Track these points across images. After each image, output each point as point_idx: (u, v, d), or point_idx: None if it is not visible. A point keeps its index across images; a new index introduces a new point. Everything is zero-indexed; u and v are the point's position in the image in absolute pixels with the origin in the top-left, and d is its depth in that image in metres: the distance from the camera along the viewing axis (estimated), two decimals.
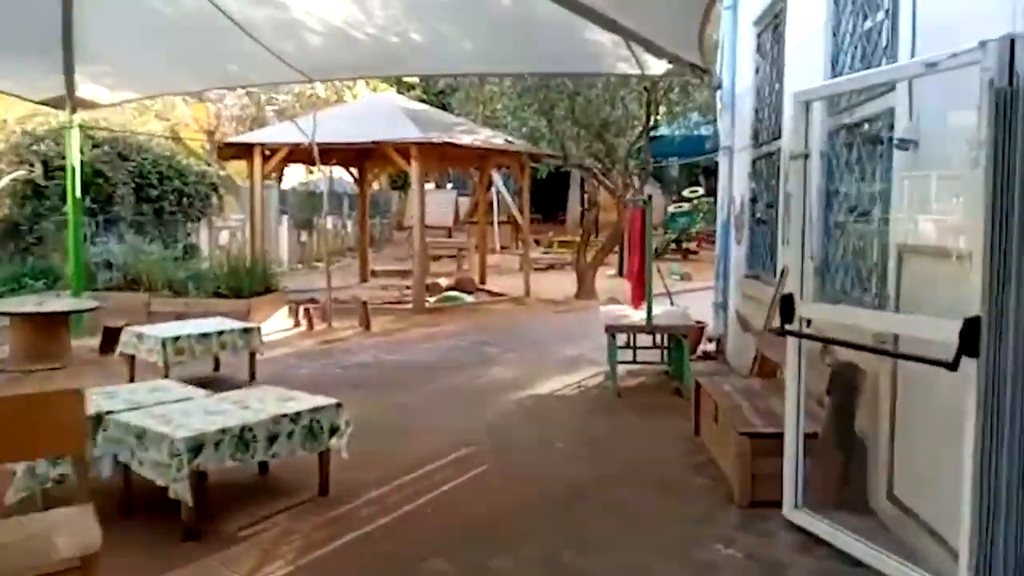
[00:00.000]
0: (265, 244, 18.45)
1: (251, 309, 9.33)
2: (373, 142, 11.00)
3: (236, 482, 4.40)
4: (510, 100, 11.53)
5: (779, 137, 6.29)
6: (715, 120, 12.36)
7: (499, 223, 21.27)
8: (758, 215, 6.93)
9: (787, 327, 3.84)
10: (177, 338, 6.79)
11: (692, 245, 20.29)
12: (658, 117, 11.85)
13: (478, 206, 15.92)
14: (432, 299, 12.11)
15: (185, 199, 14.19)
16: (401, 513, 4.05)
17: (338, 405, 4.38)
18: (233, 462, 3.91)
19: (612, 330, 6.58)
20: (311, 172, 23.55)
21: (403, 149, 10.98)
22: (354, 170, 14.93)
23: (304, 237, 20.54)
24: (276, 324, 9.83)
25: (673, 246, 21.27)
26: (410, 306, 11.37)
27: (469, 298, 12.21)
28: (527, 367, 7.81)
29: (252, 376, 7.29)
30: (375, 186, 26.70)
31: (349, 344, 9.14)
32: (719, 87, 8.28)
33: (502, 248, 20.66)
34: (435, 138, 10.78)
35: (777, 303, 5.69)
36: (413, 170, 10.94)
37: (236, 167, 16.34)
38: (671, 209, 22.54)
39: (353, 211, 19.93)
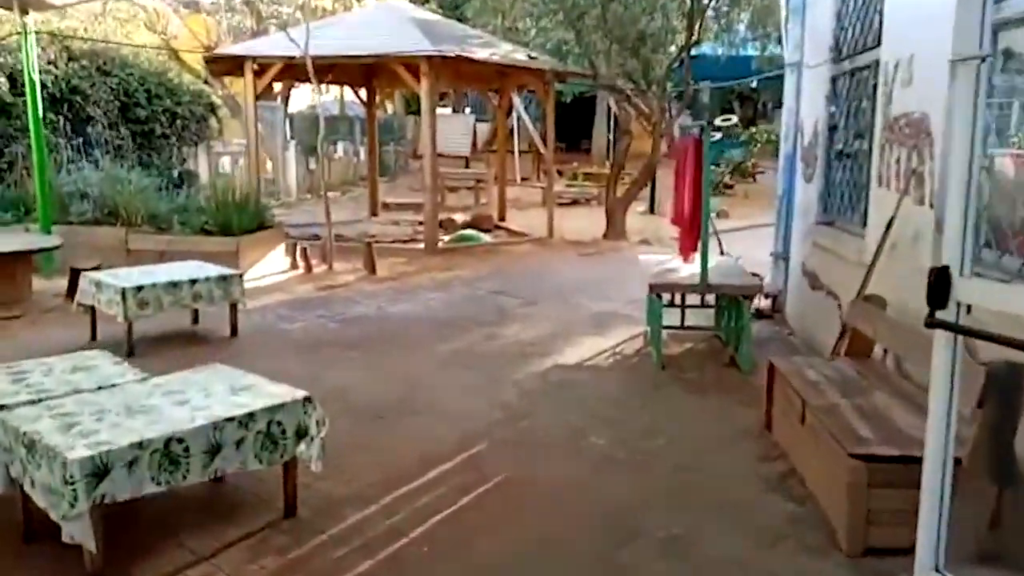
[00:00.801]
0: (273, 172, 17.36)
1: (240, 249, 8.24)
2: (376, 55, 9.63)
3: (174, 494, 3.36)
4: (533, 6, 9.95)
5: (874, 47, 4.97)
6: (768, 34, 10.89)
7: (520, 152, 19.87)
8: (840, 147, 5.64)
9: (938, 315, 2.65)
10: (140, 288, 5.72)
11: (727, 178, 18.89)
12: (702, 30, 10.29)
13: (497, 133, 14.59)
14: (446, 238, 10.95)
15: (179, 121, 12.99)
16: (387, 554, 3.00)
17: (307, 400, 3.29)
18: (156, 487, 2.84)
19: (658, 289, 5.41)
20: (319, 93, 22.18)
21: (412, 64, 9.63)
22: (362, 91, 13.55)
23: (313, 164, 19.29)
24: (271, 266, 8.75)
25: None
26: (421, 246, 10.22)
27: (487, 237, 11.03)
28: (552, 325, 6.69)
29: (233, 331, 6.27)
30: (388, 109, 25.28)
31: (350, 291, 8.04)
32: None
33: (523, 179, 19.33)
34: (447, 52, 9.41)
35: (878, 264, 4.50)
36: (423, 89, 9.61)
37: (241, 86, 15.04)
38: None
39: (365, 136, 18.56)
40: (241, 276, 6.34)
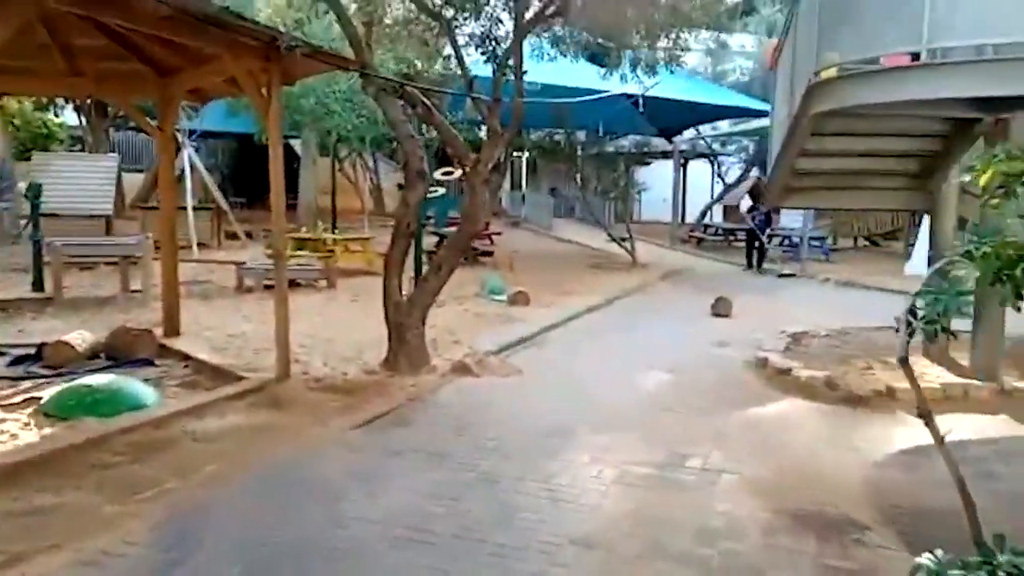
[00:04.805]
0: None
1: None
2: None
3: None
4: None
5: None
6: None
7: (195, 209, 13.26)
8: None
9: None
10: None
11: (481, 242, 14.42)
12: None
13: (158, 182, 8.31)
14: (46, 398, 4.60)
15: None
16: None
17: None
18: None
19: None
20: None
21: None
22: None
23: None
24: None
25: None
26: None
27: (147, 393, 4.80)
28: None
29: None
30: None
31: None
32: None
33: (200, 247, 12.78)
34: None
35: None
36: None
37: None
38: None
39: None
40: None
